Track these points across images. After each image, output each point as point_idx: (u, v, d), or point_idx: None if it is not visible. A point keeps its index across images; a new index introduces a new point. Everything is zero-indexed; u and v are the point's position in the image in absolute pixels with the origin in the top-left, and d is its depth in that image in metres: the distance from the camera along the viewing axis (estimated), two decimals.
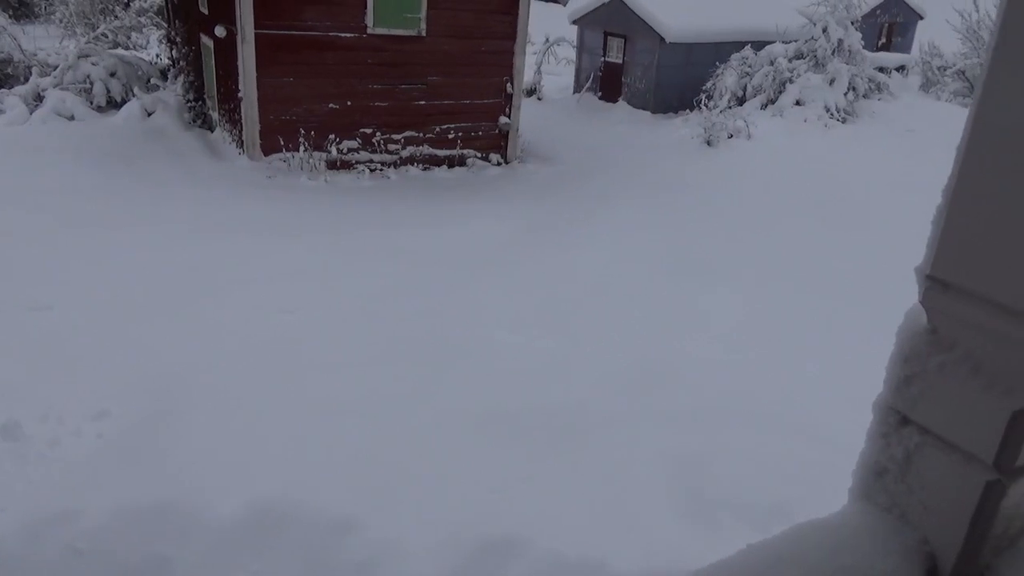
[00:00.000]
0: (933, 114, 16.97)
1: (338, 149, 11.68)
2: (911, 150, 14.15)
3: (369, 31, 11.46)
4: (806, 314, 7.28)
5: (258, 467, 4.50)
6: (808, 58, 17.00)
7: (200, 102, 13.55)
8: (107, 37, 15.99)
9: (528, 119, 14.83)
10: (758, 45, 17.83)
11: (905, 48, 25.02)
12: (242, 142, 11.48)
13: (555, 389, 5.66)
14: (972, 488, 0.96)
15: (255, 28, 10.71)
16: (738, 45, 17.92)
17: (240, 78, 10.98)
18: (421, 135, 12.41)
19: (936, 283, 0.96)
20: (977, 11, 22.17)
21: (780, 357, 6.40)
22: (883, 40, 24.70)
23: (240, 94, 11.08)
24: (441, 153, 12.60)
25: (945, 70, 23.02)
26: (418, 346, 6.23)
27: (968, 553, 0.99)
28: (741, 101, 17.22)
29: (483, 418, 5.20)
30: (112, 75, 14.03)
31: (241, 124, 11.36)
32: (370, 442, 4.84)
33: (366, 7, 11.29)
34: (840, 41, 17.04)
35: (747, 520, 4.20)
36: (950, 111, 17.54)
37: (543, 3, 12.93)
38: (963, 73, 22.34)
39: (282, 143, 11.34)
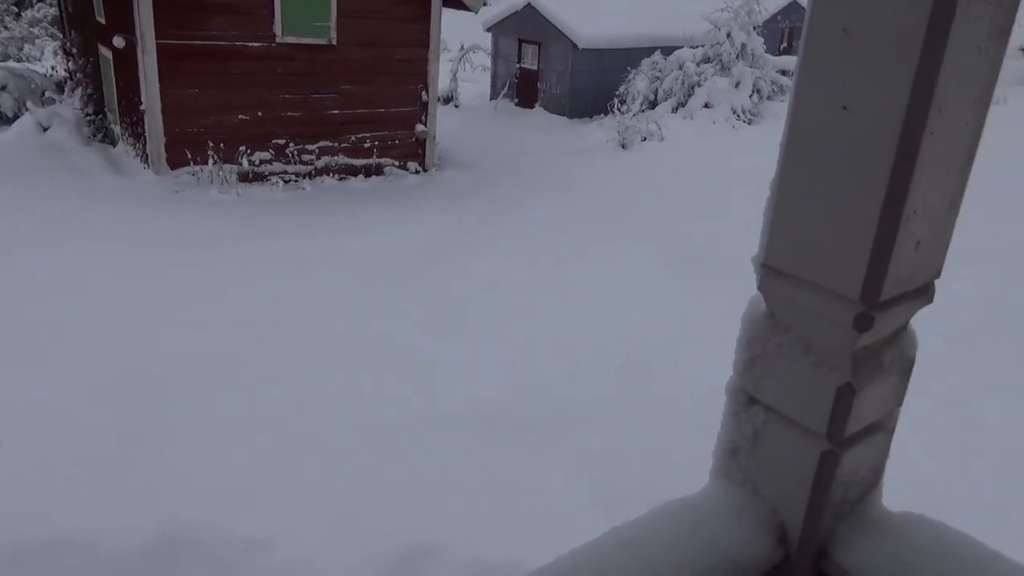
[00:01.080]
0: None
1: (250, 161, 11.40)
2: None
3: (278, 40, 11.25)
4: (703, 305, 7.51)
5: (166, 492, 4.35)
6: (714, 62, 17.63)
7: (100, 116, 12.98)
8: None
9: (445, 126, 14.85)
10: (667, 50, 18.39)
11: None
12: (147, 156, 11.06)
13: (471, 394, 5.68)
14: (810, 459, 1.04)
15: (156, 38, 10.35)
16: (648, 51, 18.42)
17: (142, 90, 10.59)
18: (336, 145, 12.24)
19: (770, 271, 1.03)
20: None
21: (680, 349, 6.59)
22: (784, 44, 25.85)
23: (143, 107, 10.68)
24: (357, 163, 12.46)
25: None
26: (333, 358, 6.15)
27: (812, 520, 1.07)
28: (653, 105, 17.71)
29: (400, 427, 5.17)
30: (3, 88, 13.29)
31: (145, 138, 10.95)
32: (284, 458, 4.75)
33: (274, 16, 11.08)
34: (744, 46, 17.75)
35: None
36: None
37: (456, 11, 12.95)
38: None
39: (190, 156, 10.98)
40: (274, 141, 11.66)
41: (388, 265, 8.35)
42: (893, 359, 1.03)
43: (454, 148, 14.40)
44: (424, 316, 7.05)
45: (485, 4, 12.70)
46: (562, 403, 5.64)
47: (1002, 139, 14.39)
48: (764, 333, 1.07)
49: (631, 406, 5.65)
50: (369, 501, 4.39)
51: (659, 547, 1.03)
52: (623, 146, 15.22)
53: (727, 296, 7.08)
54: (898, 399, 1.08)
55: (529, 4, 18.78)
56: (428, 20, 12.38)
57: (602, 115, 17.78)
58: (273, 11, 11.05)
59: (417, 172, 12.96)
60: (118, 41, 10.97)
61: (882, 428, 1.09)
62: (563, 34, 18.01)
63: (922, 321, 1.32)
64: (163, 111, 10.70)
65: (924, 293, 1.01)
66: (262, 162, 11.59)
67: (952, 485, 4.91)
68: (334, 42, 11.70)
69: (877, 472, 1.13)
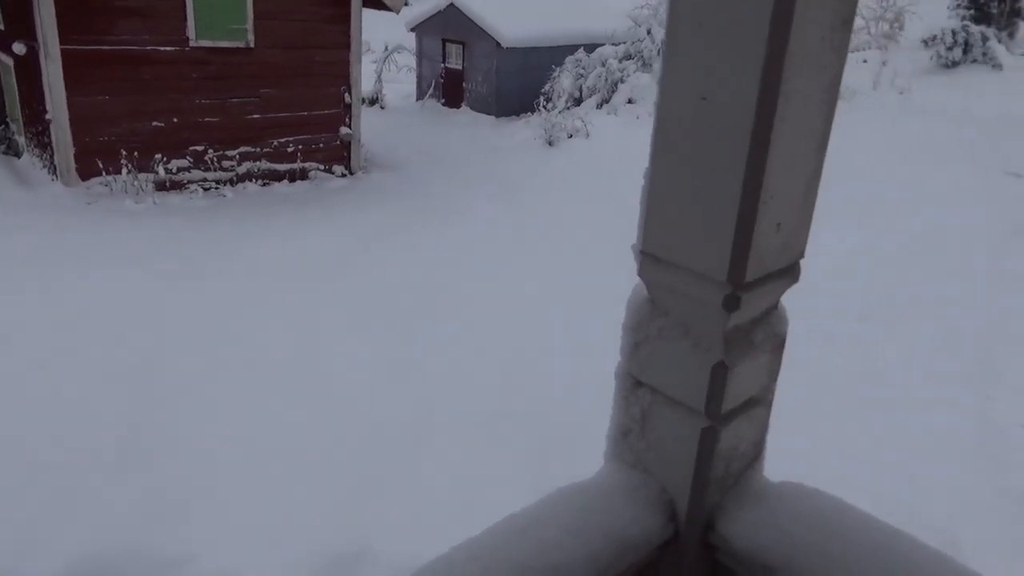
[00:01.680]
0: None
1: (166, 169, 11.02)
2: None
3: (192, 44, 10.90)
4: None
5: (69, 521, 4.17)
6: (636, 59, 17.96)
7: (3, 126, 12.34)
8: None
9: (371, 128, 14.68)
10: (590, 48, 18.62)
11: None
12: (55, 167, 10.56)
13: (395, 396, 5.64)
14: (692, 436, 1.08)
15: (61, 44, 9.89)
16: (571, 48, 18.62)
17: (47, 98, 10.10)
18: (258, 150, 11.96)
19: (648, 257, 1.07)
20: None
21: (604, 342, 6.69)
22: None
23: (49, 116, 10.19)
24: (281, 167, 12.20)
25: None
26: (251, 362, 6.02)
27: (697, 495, 1.11)
28: (578, 102, 17.92)
29: (324, 432, 5.11)
30: None
31: (52, 148, 10.45)
32: (201, 473, 4.63)
33: (186, 19, 10.73)
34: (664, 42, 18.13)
35: None
36: None
37: (377, 11, 12.81)
38: None
39: (101, 166, 10.54)
40: (192, 148, 11.30)
41: (308, 269, 8.22)
42: (765, 337, 1.08)
43: (381, 150, 14.26)
44: (353, 321, 6.97)
45: (407, 4, 12.61)
46: (497, 401, 5.67)
47: (911, 127, 15.16)
48: (646, 318, 1.11)
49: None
50: (297, 509, 4.32)
51: (553, 530, 1.06)
52: (550, 143, 15.36)
53: None
54: (772, 375, 1.14)
55: (452, 4, 18.73)
56: (348, 21, 12.21)
57: (529, 113, 17.89)
58: (185, 14, 10.71)
59: (343, 175, 12.78)
60: (18, 48, 10.45)
61: (759, 403, 1.14)
62: (487, 33, 18.03)
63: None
64: (71, 120, 10.24)
65: (789, 273, 1.06)
66: (180, 170, 11.22)
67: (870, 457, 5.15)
68: (251, 45, 11.42)
69: (757, 445, 1.18)
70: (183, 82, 11.00)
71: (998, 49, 20.85)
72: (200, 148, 11.36)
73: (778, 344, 1.11)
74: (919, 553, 1.02)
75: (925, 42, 21.97)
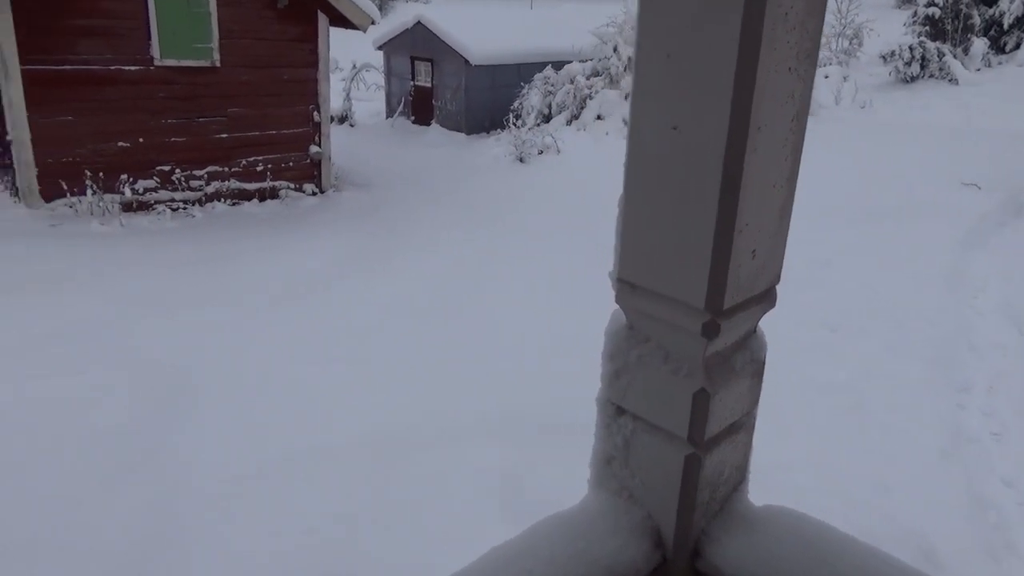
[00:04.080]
0: None
1: (133, 190, 10.85)
2: None
3: (157, 63, 10.79)
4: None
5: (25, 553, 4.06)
6: (603, 75, 18.16)
7: None
8: None
9: (341, 146, 14.63)
10: (557, 65, 18.79)
11: None
12: (17, 189, 10.35)
13: (358, 417, 5.58)
14: (676, 463, 1.08)
15: (21, 64, 9.72)
16: (539, 66, 18.78)
17: (8, 119, 9.91)
18: (227, 169, 11.84)
19: (625, 284, 1.07)
20: None
21: (579, 362, 6.71)
22: None
23: (10, 137, 10.00)
24: (251, 187, 12.09)
25: None
26: (214, 385, 5.93)
27: (683, 521, 1.11)
28: (548, 118, 18.04)
29: (288, 455, 5.03)
30: None
31: (14, 169, 10.24)
32: (156, 500, 4.52)
33: (150, 38, 10.63)
34: (630, 59, 18.37)
35: None
36: None
37: (344, 30, 12.80)
38: None
39: (66, 187, 10.35)
40: (158, 168, 11.15)
41: (281, 290, 8.13)
42: (744, 362, 1.09)
43: (351, 168, 14.21)
44: (318, 342, 6.89)
45: (373, 23, 12.60)
46: (459, 423, 5.63)
47: (875, 140, 15.51)
48: (625, 345, 1.11)
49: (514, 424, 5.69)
50: (263, 536, 4.24)
51: (536, 562, 1.05)
52: (521, 160, 15.43)
53: None
54: (754, 400, 1.14)
55: (419, 22, 18.81)
56: (316, 39, 12.19)
57: (499, 130, 17.98)
58: (149, 33, 10.60)
59: (314, 194, 12.69)
60: None
61: (742, 428, 1.14)
62: (455, 51, 18.12)
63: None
64: (33, 140, 10.05)
65: (766, 298, 1.07)
66: (147, 190, 11.05)
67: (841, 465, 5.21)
68: (218, 64, 11.34)
69: (741, 470, 1.19)
70: (148, 102, 10.87)
71: (954, 64, 21.46)
72: (167, 168, 11.22)
73: (758, 369, 1.12)
74: None
75: (884, 57, 22.54)
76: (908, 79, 21.58)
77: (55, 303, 7.42)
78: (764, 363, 1.14)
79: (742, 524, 1.15)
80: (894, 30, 24.85)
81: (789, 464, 4.96)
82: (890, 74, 22.00)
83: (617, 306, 1.12)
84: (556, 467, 4.91)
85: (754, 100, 0.88)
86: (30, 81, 9.85)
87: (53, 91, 10.06)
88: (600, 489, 1.20)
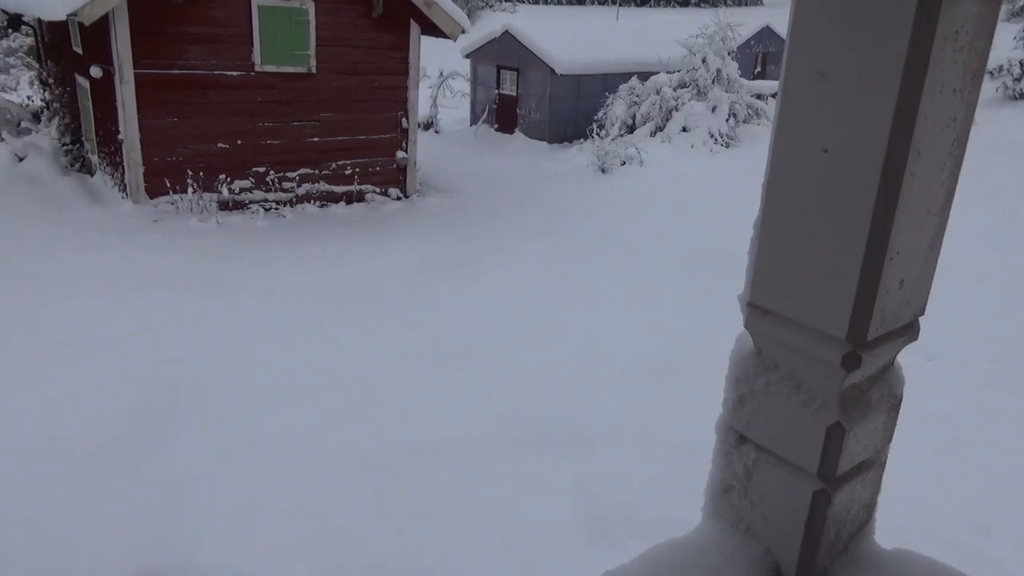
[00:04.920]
0: None
1: (230, 189, 11.35)
2: None
3: (257, 69, 11.27)
4: (687, 334, 7.54)
5: (141, 530, 4.25)
6: (691, 87, 17.88)
7: (78, 145, 12.88)
8: None
9: (426, 152, 14.90)
10: (644, 76, 18.62)
11: (778, 76, 26.61)
12: (125, 186, 10.98)
13: (453, 423, 5.63)
14: (802, 498, 1.04)
15: (134, 68, 10.34)
16: (625, 76, 18.66)
17: (120, 119, 10.54)
18: (317, 172, 12.23)
19: (756, 309, 1.04)
20: None
21: (668, 378, 6.60)
22: (758, 69, 26.31)
23: (121, 136, 10.63)
24: (339, 189, 12.45)
25: None
26: (315, 387, 6.09)
27: (806, 559, 1.06)
28: (631, 129, 17.89)
29: (380, 457, 5.12)
30: None
31: (123, 167, 10.88)
32: (259, 489, 4.67)
33: (253, 45, 11.11)
34: (719, 71, 18.03)
35: (650, 538, 4.30)
36: None
37: (435, 39, 13.06)
38: None
39: (169, 185, 10.92)
40: (254, 169, 11.63)
41: (371, 294, 8.31)
42: (881, 397, 1.04)
43: (435, 174, 14.44)
44: (416, 345, 6.99)
45: (464, 32, 12.79)
46: (546, 434, 5.62)
47: (986, 162, 14.71)
48: (752, 371, 1.07)
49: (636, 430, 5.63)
50: (352, 534, 4.33)
51: None
52: (603, 170, 15.35)
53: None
54: (887, 436, 1.09)
55: (507, 31, 18.99)
56: (407, 48, 12.47)
57: (581, 140, 17.95)
58: (252, 41, 11.08)
59: (398, 198, 12.97)
60: (95, 71, 10.92)
61: (873, 465, 1.09)
62: (541, 60, 18.20)
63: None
64: (141, 140, 10.65)
65: (909, 330, 1.02)
66: (242, 190, 11.54)
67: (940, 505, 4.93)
68: (314, 70, 11.74)
69: (869, 509, 1.13)
70: (247, 106, 11.35)
71: None
72: (262, 169, 11.68)
73: (895, 404, 1.06)
74: None
75: (991, 73, 21.38)
76: (1017, 95, 20.39)
77: (158, 294, 7.81)
78: (901, 398, 1.08)
79: (868, 566, 1.09)
80: (1003, 43, 23.53)
81: (882, 502, 4.72)
82: (997, 90, 20.84)
83: (744, 330, 1.08)
84: (636, 481, 4.84)
85: (916, 124, 0.84)
86: (141, 84, 10.45)
87: (161, 94, 10.64)
88: (716, 519, 1.16)
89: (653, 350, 7.04)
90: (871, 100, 0.85)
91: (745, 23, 22.73)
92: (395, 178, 13.04)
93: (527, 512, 4.58)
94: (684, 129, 17.14)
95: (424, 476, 4.93)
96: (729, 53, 18.44)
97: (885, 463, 1.12)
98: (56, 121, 13.41)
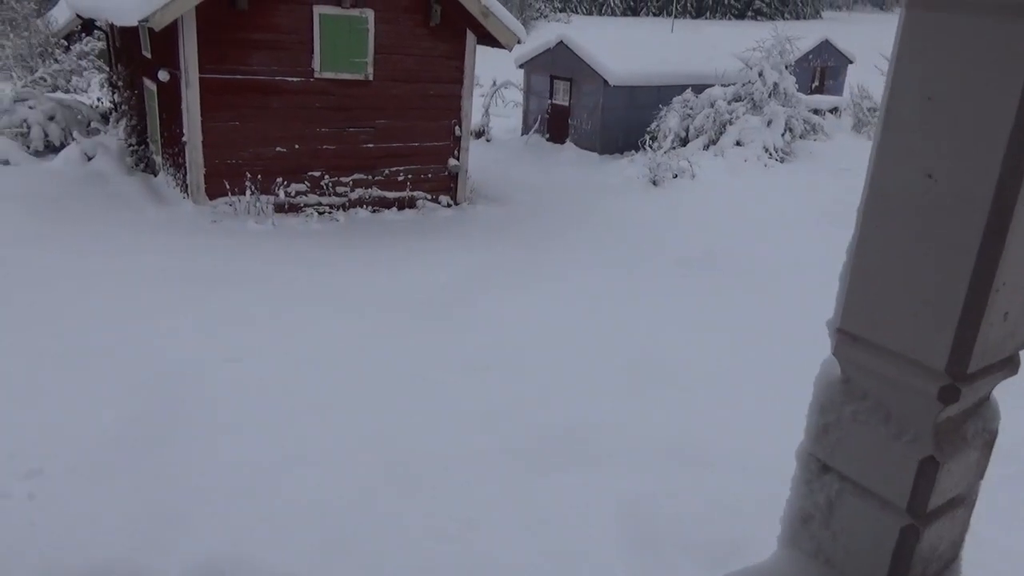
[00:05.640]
0: (866, 153, 17.66)
1: (286, 192, 11.59)
2: (847, 187, 14.70)
3: (316, 75, 11.50)
4: (745, 353, 7.42)
5: (203, 523, 4.35)
6: (746, 100, 17.63)
7: (143, 146, 13.33)
8: (46, 81, 15.66)
9: (477, 160, 14.98)
10: (698, 88, 18.44)
11: (837, 91, 26.18)
12: (187, 186, 11.31)
13: (504, 432, 5.63)
14: (889, 533, 1.00)
15: (199, 72, 10.65)
16: (679, 88, 18.50)
17: (184, 122, 10.87)
18: (370, 177, 12.42)
19: (846, 336, 1.01)
20: None
21: (721, 394, 6.49)
22: (816, 83, 25.82)
23: (184, 138, 10.96)
24: (391, 195, 12.61)
25: (874, 111, 24.14)
26: (371, 391, 6.16)
27: None
28: (684, 142, 17.72)
29: (435, 463, 5.15)
30: (51, 119, 13.71)
31: (185, 168, 11.21)
32: (323, 492, 4.74)
33: (313, 52, 11.35)
34: (776, 84, 17.75)
35: (700, 559, 4.23)
36: None
37: (490, 48, 13.15)
38: None
39: (228, 187, 11.21)
40: (310, 173, 11.86)
41: (421, 301, 8.37)
42: (976, 432, 1.00)
43: (486, 182, 14.52)
44: (467, 354, 7.01)
45: (520, 42, 12.86)
46: (592, 448, 5.58)
47: None
48: (839, 399, 1.04)
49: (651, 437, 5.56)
50: (405, 540, 4.36)
51: None
52: (654, 183, 15.22)
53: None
54: (980, 472, 1.05)
55: (561, 42, 19.02)
56: (463, 57, 12.59)
57: (633, 152, 17.84)
58: (313, 48, 11.32)
59: (449, 206, 13.06)
60: (163, 75, 11.29)
61: (964, 502, 1.05)
62: (595, 71, 18.17)
63: None
64: (204, 143, 10.97)
65: (1009, 364, 0.98)
66: (298, 194, 11.78)
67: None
68: (371, 78, 11.93)
69: (956, 547, 1.09)
70: (305, 111, 11.59)
71: None
72: (317, 174, 11.91)
73: (989, 440, 1.02)
74: None
75: None
76: None
77: (217, 294, 8.01)
78: (996, 434, 1.04)
79: None
80: None
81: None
82: None
83: (831, 356, 1.06)
84: (692, 498, 4.77)
85: None
86: (205, 88, 10.76)
87: (224, 98, 10.94)
88: (793, 548, 1.13)
89: (715, 367, 6.94)
90: (984, 126, 0.83)
91: (803, 36, 22.33)
92: (446, 185, 13.15)
93: (580, 521, 4.55)
94: (738, 143, 16.89)
95: (476, 486, 4.94)
96: (787, 67, 18.14)
97: (975, 501, 1.08)
98: (123, 122, 13.90)
